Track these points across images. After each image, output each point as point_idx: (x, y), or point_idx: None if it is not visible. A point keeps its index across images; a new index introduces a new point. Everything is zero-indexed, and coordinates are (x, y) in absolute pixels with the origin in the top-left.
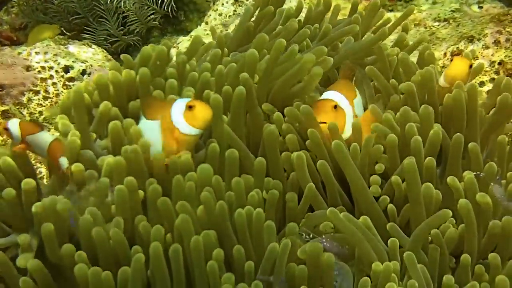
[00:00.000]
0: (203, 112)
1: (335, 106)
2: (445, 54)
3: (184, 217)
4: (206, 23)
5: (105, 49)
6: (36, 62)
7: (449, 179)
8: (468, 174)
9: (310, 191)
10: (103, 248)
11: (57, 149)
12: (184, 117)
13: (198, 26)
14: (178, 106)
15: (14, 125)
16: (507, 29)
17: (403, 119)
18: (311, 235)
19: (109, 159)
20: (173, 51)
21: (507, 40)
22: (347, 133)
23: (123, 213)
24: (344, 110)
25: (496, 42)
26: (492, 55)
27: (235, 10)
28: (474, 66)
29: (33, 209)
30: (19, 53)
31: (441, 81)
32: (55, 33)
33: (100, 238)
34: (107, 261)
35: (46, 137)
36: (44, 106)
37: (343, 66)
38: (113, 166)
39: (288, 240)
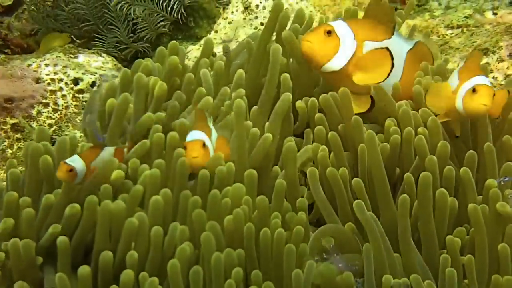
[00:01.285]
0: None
1: (329, 31)
2: (458, 65)
3: (207, 237)
4: (216, 31)
5: (115, 57)
6: (46, 74)
7: (462, 170)
8: (492, 183)
9: (322, 206)
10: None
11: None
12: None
13: (208, 34)
14: None
15: (76, 161)
16: None
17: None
18: (323, 256)
19: (146, 171)
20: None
21: None
22: (335, 62)
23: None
24: (338, 38)
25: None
26: (507, 68)
27: (244, 18)
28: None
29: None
30: (29, 65)
31: (459, 105)
32: (65, 42)
33: (157, 242)
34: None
35: (109, 151)
36: (54, 119)
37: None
38: (148, 178)
39: (313, 261)
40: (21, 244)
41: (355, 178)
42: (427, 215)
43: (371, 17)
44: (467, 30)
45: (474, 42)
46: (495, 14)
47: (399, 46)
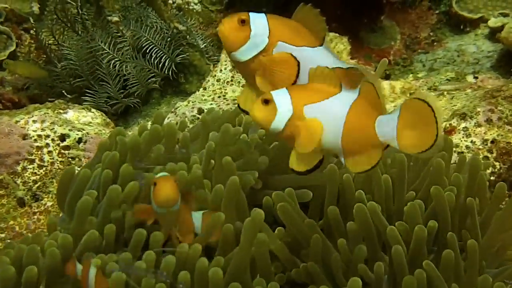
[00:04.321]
0: (161, 190)
1: (266, 101)
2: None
3: None
4: (204, 88)
5: (105, 112)
6: (33, 131)
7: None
8: None
9: None
10: None
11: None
12: (153, 194)
13: (197, 91)
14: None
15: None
16: (499, 108)
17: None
18: None
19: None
20: (171, 115)
21: (499, 118)
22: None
23: None
24: (275, 107)
25: (488, 121)
26: (484, 133)
27: (233, 77)
28: None
29: None
30: (17, 122)
31: None
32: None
33: None
34: None
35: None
36: (39, 175)
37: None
38: None
39: None
40: None
41: None
42: None
43: None
44: (447, 94)
45: (454, 105)
46: (475, 78)
47: None
